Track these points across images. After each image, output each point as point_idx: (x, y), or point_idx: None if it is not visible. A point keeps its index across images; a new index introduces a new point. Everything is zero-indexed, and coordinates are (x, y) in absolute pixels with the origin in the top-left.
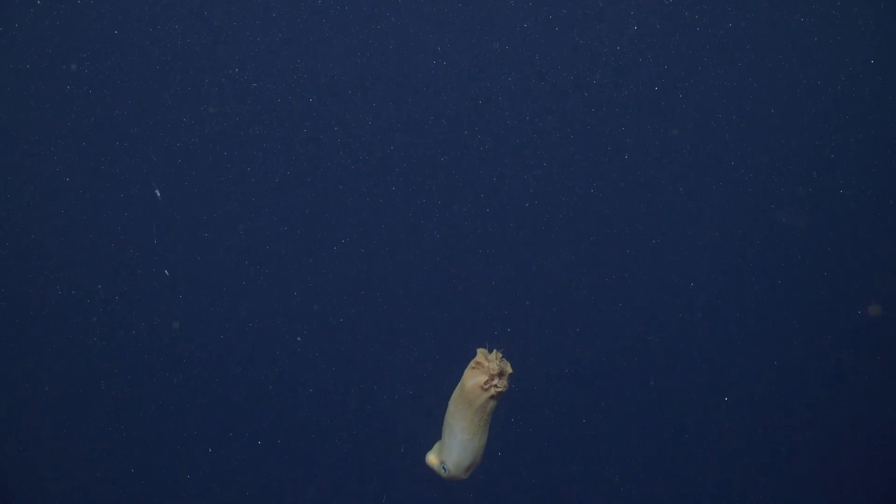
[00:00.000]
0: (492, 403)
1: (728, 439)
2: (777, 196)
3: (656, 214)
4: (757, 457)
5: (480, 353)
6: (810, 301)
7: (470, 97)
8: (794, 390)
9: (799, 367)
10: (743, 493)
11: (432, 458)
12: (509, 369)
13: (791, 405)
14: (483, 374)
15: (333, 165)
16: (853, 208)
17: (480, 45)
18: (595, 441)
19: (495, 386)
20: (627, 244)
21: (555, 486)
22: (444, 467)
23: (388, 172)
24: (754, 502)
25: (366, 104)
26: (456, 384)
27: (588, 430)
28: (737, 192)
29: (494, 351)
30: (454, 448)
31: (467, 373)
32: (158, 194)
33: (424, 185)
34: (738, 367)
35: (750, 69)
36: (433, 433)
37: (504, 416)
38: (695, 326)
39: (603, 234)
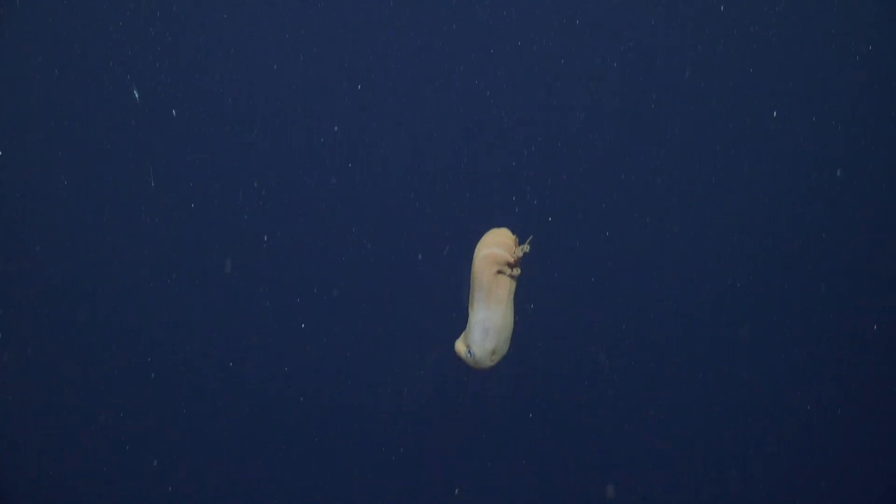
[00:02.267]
0: (505, 281)
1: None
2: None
3: (668, 212)
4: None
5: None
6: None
7: (477, 96)
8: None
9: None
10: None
11: (459, 346)
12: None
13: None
14: (501, 249)
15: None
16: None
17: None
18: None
19: (509, 265)
20: (641, 243)
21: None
22: (469, 352)
23: (402, 166)
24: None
25: (366, 101)
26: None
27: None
28: (748, 190)
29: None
30: (476, 328)
31: (483, 241)
32: (136, 95)
33: (429, 182)
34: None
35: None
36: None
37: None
38: (709, 321)
39: (615, 232)
